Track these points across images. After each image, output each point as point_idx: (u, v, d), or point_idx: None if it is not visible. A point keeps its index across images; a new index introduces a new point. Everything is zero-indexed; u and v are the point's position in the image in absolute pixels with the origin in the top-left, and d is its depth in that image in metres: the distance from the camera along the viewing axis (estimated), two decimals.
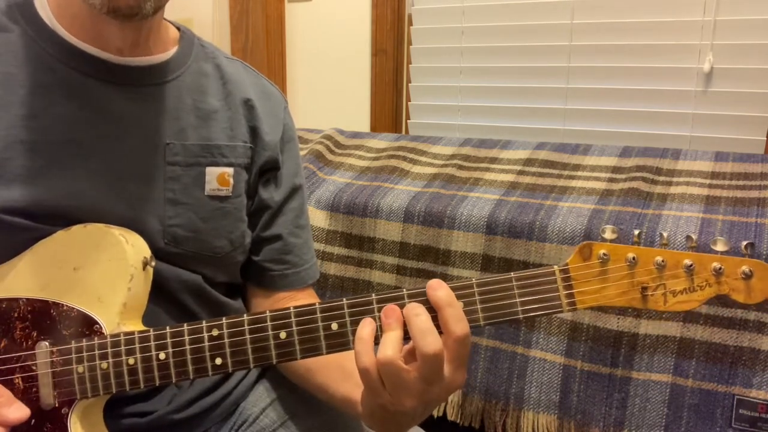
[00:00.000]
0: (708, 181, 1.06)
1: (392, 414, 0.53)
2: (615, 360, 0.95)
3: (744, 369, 0.88)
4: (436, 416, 1.08)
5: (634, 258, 0.51)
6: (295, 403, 0.75)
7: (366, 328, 0.52)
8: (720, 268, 0.50)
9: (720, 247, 0.51)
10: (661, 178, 1.09)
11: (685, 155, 1.15)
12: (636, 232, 0.54)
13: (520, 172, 1.19)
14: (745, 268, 0.50)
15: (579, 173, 1.15)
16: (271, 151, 0.75)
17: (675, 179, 1.08)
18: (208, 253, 0.70)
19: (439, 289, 0.52)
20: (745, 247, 0.51)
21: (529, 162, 1.22)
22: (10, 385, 0.57)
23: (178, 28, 0.74)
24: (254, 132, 0.74)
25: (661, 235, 0.52)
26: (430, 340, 0.49)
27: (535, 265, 1.02)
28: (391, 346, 0.50)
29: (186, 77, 0.70)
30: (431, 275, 1.11)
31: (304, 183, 0.81)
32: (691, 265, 0.50)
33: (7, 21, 0.62)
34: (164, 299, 0.67)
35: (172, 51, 0.69)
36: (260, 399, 0.76)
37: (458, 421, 1.07)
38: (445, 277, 1.09)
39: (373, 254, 1.16)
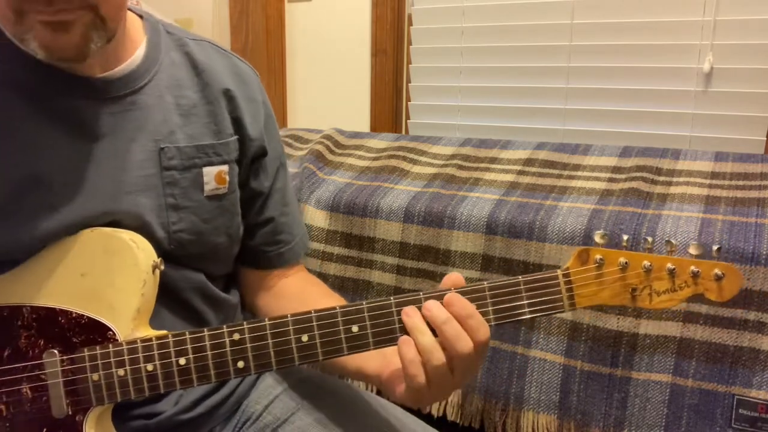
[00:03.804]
0: (708, 181, 1.06)
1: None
2: (615, 360, 0.95)
3: (744, 369, 0.88)
4: (436, 416, 1.08)
5: (626, 262, 0.57)
6: (297, 400, 0.76)
7: (410, 349, 0.55)
8: (697, 271, 0.57)
9: (693, 250, 0.58)
10: (661, 178, 1.09)
11: (685, 155, 1.15)
12: (625, 237, 0.61)
13: (520, 172, 1.19)
14: (717, 270, 0.57)
15: (579, 173, 1.15)
16: (258, 141, 0.74)
17: (675, 179, 1.08)
18: (210, 251, 0.70)
19: (455, 305, 0.55)
20: (716, 251, 0.58)
21: (529, 162, 1.22)
22: (17, 395, 0.57)
23: (141, 16, 0.70)
24: (238, 123, 0.72)
25: (645, 239, 0.59)
26: (464, 343, 0.54)
27: (535, 265, 1.02)
28: (441, 353, 0.54)
29: (161, 73, 0.67)
30: (431, 275, 1.11)
31: (284, 160, 0.81)
32: (673, 269, 0.57)
33: None
34: (169, 299, 0.67)
35: (142, 49, 0.67)
36: (262, 396, 0.77)
37: (458, 421, 1.07)
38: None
39: (373, 254, 1.16)
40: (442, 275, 1.07)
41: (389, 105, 1.65)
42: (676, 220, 0.96)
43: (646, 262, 0.57)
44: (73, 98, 0.61)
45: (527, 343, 1.02)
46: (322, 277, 1.19)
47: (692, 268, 0.57)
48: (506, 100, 1.51)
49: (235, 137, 0.72)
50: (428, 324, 0.55)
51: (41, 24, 0.52)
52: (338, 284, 1.19)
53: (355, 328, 0.56)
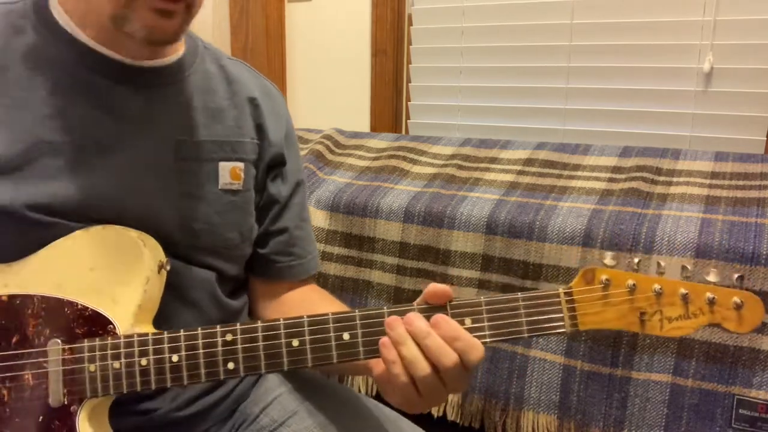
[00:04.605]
0: (708, 181, 1.06)
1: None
2: (615, 360, 0.95)
3: (744, 369, 0.88)
4: (436, 416, 1.08)
5: (633, 284, 0.54)
6: (295, 403, 0.76)
7: (391, 352, 0.54)
8: (713, 298, 0.53)
9: (712, 277, 0.54)
10: (661, 178, 1.09)
11: (685, 155, 1.15)
12: (636, 260, 0.56)
13: (520, 172, 1.19)
14: (736, 299, 0.53)
15: (579, 173, 1.15)
16: (276, 148, 0.77)
17: (675, 179, 1.08)
18: (221, 246, 0.71)
19: (441, 326, 0.54)
20: (737, 279, 0.54)
21: (529, 162, 1.22)
22: (20, 380, 0.58)
23: None
24: (260, 129, 0.76)
25: (658, 264, 0.55)
26: (447, 356, 0.53)
27: (535, 265, 1.02)
28: (425, 363, 0.53)
29: (194, 78, 0.72)
30: (431, 275, 1.11)
31: (305, 178, 0.84)
32: (686, 294, 0.54)
33: (24, 23, 0.64)
34: (177, 298, 0.68)
35: (180, 53, 0.72)
36: (260, 398, 0.77)
37: (458, 421, 1.07)
38: (444, 278, 1.09)
39: (373, 254, 1.16)
40: (442, 275, 1.09)
41: (389, 105, 1.65)
42: (676, 220, 0.96)
43: (656, 286, 0.54)
44: (106, 79, 0.65)
45: (527, 343, 1.02)
46: (323, 277, 1.19)
47: (708, 294, 0.53)
48: (506, 100, 1.51)
49: (255, 141, 0.75)
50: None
51: (152, 9, 0.58)
52: (338, 284, 1.19)
53: (346, 336, 0.56)
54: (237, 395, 0.76)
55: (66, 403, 0.57)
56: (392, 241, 1.13)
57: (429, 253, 1.10)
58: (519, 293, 0.55)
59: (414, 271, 1.12)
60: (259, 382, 0.79)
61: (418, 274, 1.12)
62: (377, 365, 0.60)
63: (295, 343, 0.56)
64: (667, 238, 0.93)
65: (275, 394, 0.77)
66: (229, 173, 0.71)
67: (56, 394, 0.57)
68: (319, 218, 1.20)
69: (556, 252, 1.00)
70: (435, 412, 1.08)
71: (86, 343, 0.58)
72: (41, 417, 0.57)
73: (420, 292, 0.57)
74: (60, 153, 0.62)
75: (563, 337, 0.99)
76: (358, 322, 0.56)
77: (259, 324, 0.57)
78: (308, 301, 0.79)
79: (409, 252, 1.12)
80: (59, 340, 0.58)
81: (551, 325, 0.55)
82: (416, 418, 0.75)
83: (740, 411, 0.88)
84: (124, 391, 0.57)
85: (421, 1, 1.59)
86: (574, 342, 0.98)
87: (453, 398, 1.07)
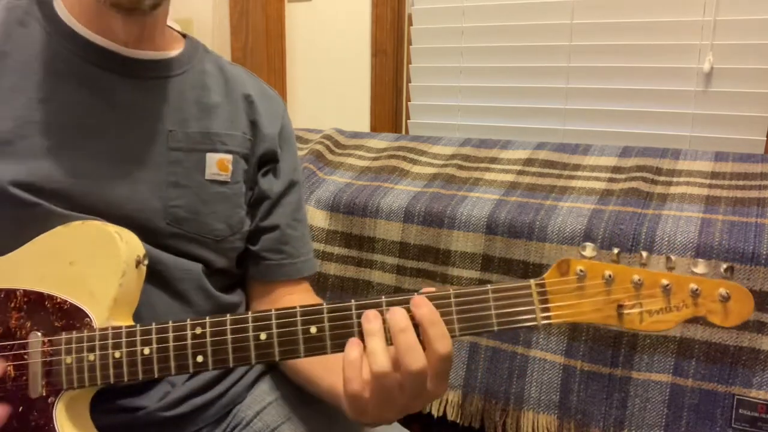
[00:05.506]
0: (708, 181, 1.06)
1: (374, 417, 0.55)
2: (615, 360, 0.95)
3: (744, 369, 0.88)
4: (436, 416, 1.08)
5: (610, 275, 0.52)
6: (290, 408, 0.75)
7: (354, 350, 0.53)
8: (697, 290, 0.50)
9: (700, 269, 0.51)
10: (661, 178, 1.09)
11: (685, 155, 1.15)
12: (615, 251, 0.53)
13: (520, 172, 1.19)
14: (722, 290, 0.50)
15: (579, 173, 1.15)
16: (269, 143, 0.78)
17: (675, 179, 1.08)
18: (208, 236, 0.72)
19: (422, 307, 0.53)
20: (725, 270, 0.51)
21: (529, 162, 1.22)
22: (2, 372, 0.59)
23: (184, 36, 0.78)
24: (254, 125, 0.77)
25: (641, 254, 0.52)
26: (416, 357, 0.51)
27: (535, 265, 1.02)
28: (385, 359, 0.51)
29: (190, 74, 0.74)
30: (431, 275, 1.11)
31: (301, 180, 0.85)
32: (667, 285, 0.51)
33: (27, 18, 0.67)
34: (164, 289, 0.68)
35: (178, 50, 0.74)
36: (255, 402, 0.76)
37: (458, 421, 1.07)
38: (444, 278, 1.09)
39: (373, 254, 1.16)
40: (442, 275, 1.09)
41: (389, 105, 1.65)
42: (676, 220, 0.96)
43: (635, 276, 0.51)
44: (100, 68, 0.67)
45: (527, 343, 1.02)
46: (322, 277, 1.19)
47: (692, 285, 0.50)
48: (506, 100, 1.51)
49: (248, 137, 0.76)
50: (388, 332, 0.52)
51: None
52: (338, 284, 1.19)
53: (313, 329, 0.55)
54: (231, 397, 0.75)
55: (44, 394, 0.58)
56: (392, 241, 1.13)
57: (429, 253, 1.10)
58: (489, 285, 0.54)
59: (414, 271, 1.12)
60: (255, 385, 0.79)
61: (418, 274, 1.12)
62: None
63: (263, 336, 0.56)
64: (667, 238, 0.93)
65: (271, 399, 0.76)
66: (216, 164, 0.72)
67: (35, 385, 0.58)
68: (319, 218, 1.20)
69: (557, 252, 1.00)
70: (435, 412, 1.08)
71: (63, 336, 0.59)
72: (21, 407, 0.59)
73: None
74: (48, 133, 0.64)
75: (563, 336, 0.99)
76: (325, 315, 0.55)
77: (228, 317, 0.57)
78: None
79: (409, 252, 1.12)
80: (39, 333, 0.59)
81: (522, 318, 0.53)
82: (416, 418, 0.75)
83: (740, 411, 0.88)
84: (98, 384, 0.58)
85: (421, 1, 1.59)
86: (574, 342, 0.98)
87: (453, 398, 1.07)
